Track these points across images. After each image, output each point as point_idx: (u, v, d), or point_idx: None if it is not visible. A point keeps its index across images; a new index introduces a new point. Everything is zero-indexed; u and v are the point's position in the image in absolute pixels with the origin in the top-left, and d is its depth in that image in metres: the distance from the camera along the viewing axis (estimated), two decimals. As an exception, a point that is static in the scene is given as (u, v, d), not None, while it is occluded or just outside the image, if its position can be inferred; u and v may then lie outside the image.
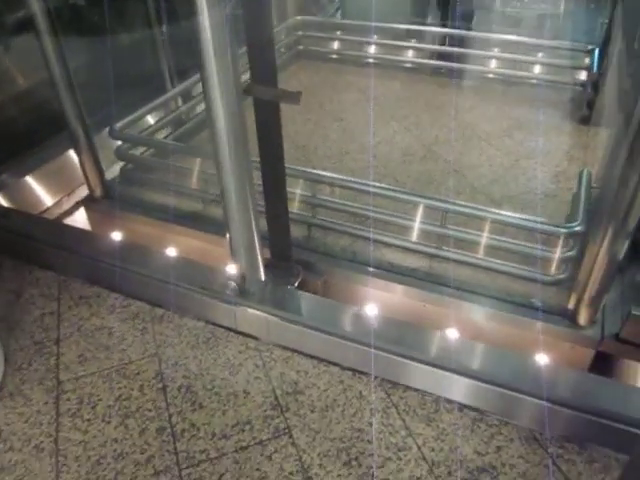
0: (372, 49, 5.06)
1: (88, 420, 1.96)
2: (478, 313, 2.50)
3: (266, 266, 2.33)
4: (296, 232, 2.85)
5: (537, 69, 4.55)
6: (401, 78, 4.79)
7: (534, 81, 4.55)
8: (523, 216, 2.54)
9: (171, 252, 2.59)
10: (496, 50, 4.62)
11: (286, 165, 2.31)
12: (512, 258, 2.60)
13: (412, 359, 2.05)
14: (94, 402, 2.03)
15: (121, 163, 3.30)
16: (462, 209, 2.66)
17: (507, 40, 4.57)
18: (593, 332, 2.31)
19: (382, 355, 2.08)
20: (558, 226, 2.49)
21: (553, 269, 2.51)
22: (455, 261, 2.67)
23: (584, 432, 1.90)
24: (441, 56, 4.81)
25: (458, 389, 2.01)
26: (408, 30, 4.92)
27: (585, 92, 4.12)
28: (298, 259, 2.61)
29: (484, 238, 2.60)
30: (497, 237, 2.62)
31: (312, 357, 2.18)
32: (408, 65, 4.98)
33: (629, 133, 1.76)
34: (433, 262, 2.71)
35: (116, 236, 2.69)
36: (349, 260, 2.74)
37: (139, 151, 3.40)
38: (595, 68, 4.02)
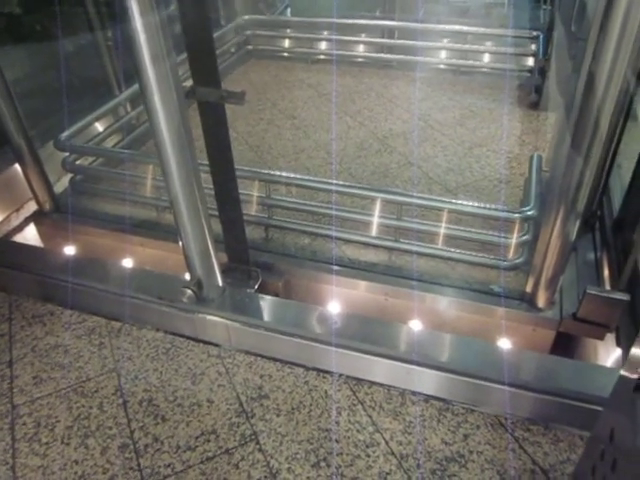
0: (322, 45, 5.06)
1: (46, 444, 1.89)
2: (439, 302, 2.50)
3: (224, 271, 2.30)
4: (254, 234, 2.83)
5: (486, 58, 4.62)
6: (353, 73, 4.80)
7: (484, 70, 4.62)
8: (477, 204, 2.55)
9: (125, 263, 2.53)
10: (445, 41, 4.66)
11: (240, 167, 2.28)
12: (470, 246, 2.62)
13: (376, 354, 2.04)
14: (52, 424, 1.95)
15: (70, 175, 3.20)
16: (417, 201, 2.67)
17: (455, 30, 4.61)
18: (552, 313, 2.33)
19: (346, 353, 2.07)
20: (511, 211, 2.51)
21: (510, 254, 2.54)
22: (414, 253, 2.67)
23: (548, 413, 1.92)
24: (391, 49, 4.83)
25: (423, 381, 2.02)
26: (358, 25, 4.92)
27: (533, 78, 4.20)
28: (257, 261, 2.58)
29: (441, 228, 2.60)
30: (454, 226, 2.63)
31: (276, 360, 2.15)
32: (359, 60, 4.98)
33: (571, 116, 1.78)
34: (392, 255, 2.71)
35: (67, 251, 2.62)
36: (309, 259, 2.72)
37: (88, 161, 3.31)
38: (541, 54, 4.09)
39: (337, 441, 1.86)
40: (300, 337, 2.12)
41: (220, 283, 2.24)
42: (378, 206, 2.68)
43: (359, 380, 2.07)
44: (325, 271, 2.65)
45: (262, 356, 2.17)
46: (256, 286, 2.41)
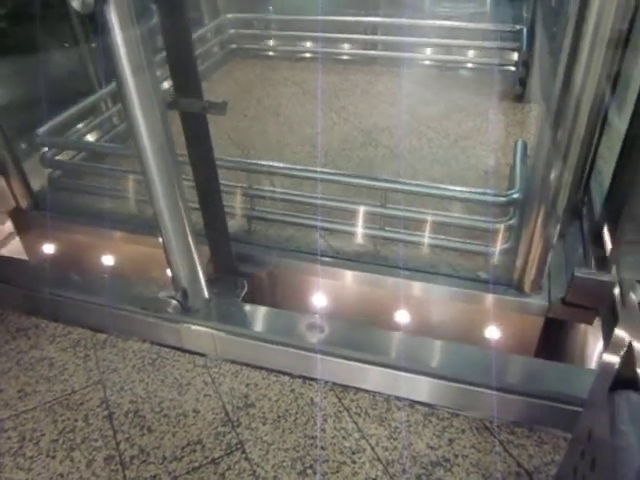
0: (307, 43, 5.03)
1: (31, 457, 1.88)
2: (426, 291, 2.47)
3: (210, 280, 2.30)
4: (236, 226, 2.78)
5: (471, 53, 4.64)
6: (337, 70, 4.80)
7: (469, 65, 4.65)
8: (462, 188, 2.52)
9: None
10: (430, 36, 4.67)
11: (220, 157, 2.25)
12: (457, 233, 2.60)
13: (361, 361, 2.05)
14: (37, 438, 1.94)
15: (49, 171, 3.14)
16: (402, 186, 2.63)
17: (441, 26, 4.63)
18: (540, 299, 2.31)
19: (331, 360, 2.08)
20: (496, 195, 2.48)
21: (497, 240, 2.51)
22: (400, 241, 2.64)
23: (532, 416, 1.94)
24: (376, 46, 4.84)
25: (408, 386, 2.03)
26: (343, 22, 4.91)
27: (517, 71, 4.25)
28: (239, 253, 2.56)
29: (427, 215, 2.56)
30: (440, 213, 2.59)
31: (262, 369, 2.16)
32: (344, 57, 4.97)
33: (552, 104, 1.80)
34: (378, 245, 2.69)
35: (52, 263, 2.60)
36: (292, 250, 2.67)
37: (69, 156, 3.24)
38: (525, 47, 4.13)
39: (323, 448, 1.87)
40: (286, 345, 2.13)
41: (206, 293, 2.24)
42: (362, 194, 2.67)
43: (345, 387, 2.07)
44: (309, 261, 2.60)
45: (248, 365, 2.17)
46: (242, 295, 2.42)
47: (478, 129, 3.75)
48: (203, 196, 2.24)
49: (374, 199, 2.65)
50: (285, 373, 2.13)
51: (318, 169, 2.80)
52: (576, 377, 1.97)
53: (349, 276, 2.58)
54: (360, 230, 2.69)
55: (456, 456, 1.83)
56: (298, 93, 4.42)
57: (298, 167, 2.81)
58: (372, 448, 1.86)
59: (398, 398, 2.03)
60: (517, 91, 4.17)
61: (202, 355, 2.22)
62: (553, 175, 1.93)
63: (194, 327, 2.19)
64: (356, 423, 1.94)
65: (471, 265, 2.54)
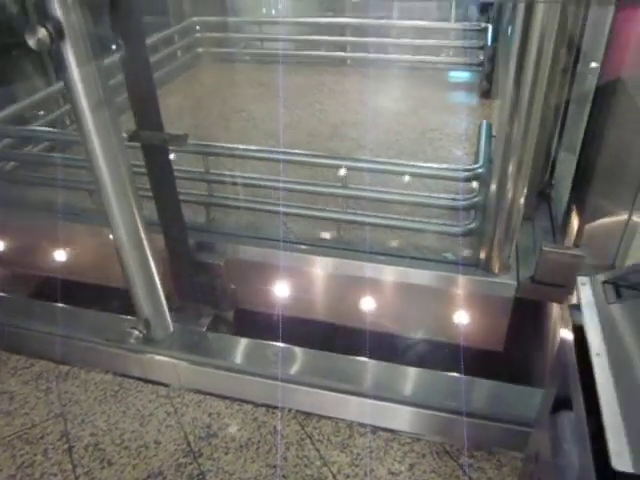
0: (275, 45, 5.00)
1: (-13, 494, 1.85)
2: (392, 274, 2.38)
3: (174, 310, 2.31)
4: (191, 215, 2.61)
5: (438, 52, 4.68)
6: (305, 72, 4.80)
7: (437, 63, 4.68)
8: (426, 164, 2.45)
9: (73, 306, 2.50)
10: (397, 37, 4.71)
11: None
12: (422, 214, 2.51)
13: (324, 388, 2.07)
14: (-6, 474, 1.91)
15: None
16: (362, 164, 2.52)
17: (409, 26, 4.67)
18: (508, 278, 2.25)
19: (295, 388, 2.09)
20: (461, 169, 2.40)
21: (462, 220, 2.41)
22: (363, 224, 2.53)
23: (491, 439, 1.97)
24: (344, 47, 4.86)
25: (370, 412, 2.05)
26: (310, 23, 4.90)
27: (484, 68, 4.28)
28: (196, 242, 2.47)
29: (391, 195, 2.46)
30: (404, 192, 2.49)
31: (225, 398, 2.16)
32: (312, 59, 4.94)
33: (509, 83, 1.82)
34: (341, 228, 2.58)
35: (13, 295, 2.58)
36: (251, 237, 2.54)
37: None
38: (490, 44, 4.20)
39: (285, 477, 1.87)
40: (249, 374, 2.13)
41: (169, 322, 2.25)
42: (321, 174, 2.58)
43: (308, 414, 2.08)
44: (269, 247, 2.47)
45: (212, 394, 2.17)
46: (207, 324, 2.43)
47: (445, 123, 3.75)
48: (166, 226, 2.26)
49: (332, 179, 2.52)
50: (249, 402, 2.14)
51: (275, 149, 2.64)
52: (534, 398, 2.01)
53: (310, 260, 2.46)
54: (321, 214, 2.55)
55: (416, 481, 1.85)
56: (264, 93, 4.38)
57: (254, 147, 2.58)
58: (334, 475, 1.87)
59: (361, 424, 2.05)
60: (484, 87, 4.20)
61: (165, 385, 2.21)
62: (515, 154, 1.90)
63: (157, 357, 2.19)
64: (318, 450, 1.95)
65: (437, 246, 2.44)
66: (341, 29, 4.93)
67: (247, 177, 2.61)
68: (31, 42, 1.51)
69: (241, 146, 2.61)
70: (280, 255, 2.44)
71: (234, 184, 2.64)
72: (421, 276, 2.35)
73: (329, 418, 2.07)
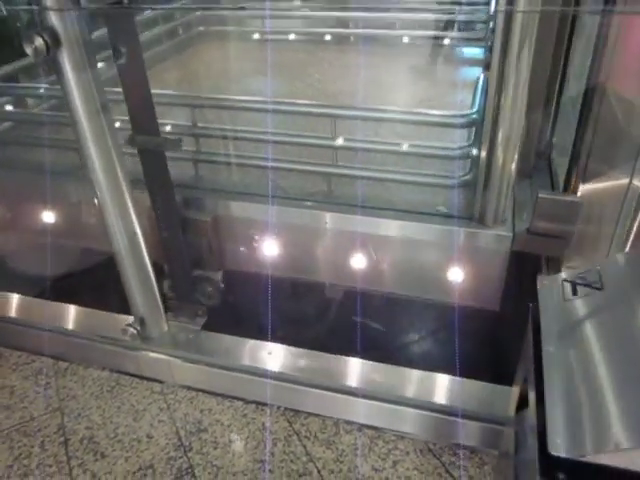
0: (275, 23, 4.99)
1: (-15, 483, 1.93)
2: (383, 228, 2.31)
3: (170, 308, 2.38)
4: (177, 171, 2.43)
5: (440, 28, 4.55)
6: (308, 49, 4.78)
7: (440, 39, 4.52)
8: (419, 110, 2.40)
9: (72, 304, 2.57)
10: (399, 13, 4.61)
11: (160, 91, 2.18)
12: (415, 165, 2.45)
13: (312, 386, 2.12)
14: (-8, 464, 1.99)
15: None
16: (352, 112, 2.45)
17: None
18: (504, 230, 2.17)
19: (284, 385, 2.15)
20: (455, 115, 2.32)
21: (457, 171, 2.33)
22: (354, 177, 2.46)
23: (474, 437, 2.01)
24: (345, 23, 4.86)
25: (357, 410, 2.10)
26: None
27: (487, 41, 4.06)
28: (183, 199, 2.41)
29: (382, 145, 2.42)
30: (396, 142, 2.41)
31: (217, 395, 2.22)
32: (315, 36, 4.88)
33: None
34: (332, 182, 2.49)
35: (15, 293, 2.65)
36: (238, 192, 2.48)
37: None
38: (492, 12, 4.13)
39: (271, 471, 1.92)
40: (241, 371, 2.19)
41: (164, 320, 2.32)
42: (313, 126, 2.51)
43: (296, 411, 2.14)
44: (257, 202, 2.41)
45: (204, 391, 2.23)
46: (202, 323, 2.49)
47: (444, 93, 3.67)
48: (163, 226, 2.33)
49: (324, 130, 2.43)
50: (239, 399, 2.20)
51: (265, 99, 2.55)
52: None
53: (300, 214, 2.38)
54: (311, 168, 2.49)
55: (399, 478, 1.89)
56: (264, 67, 4.27)
57: (244, 98, 2.53)
58: (319, 471, 1.92)
59: (347, 422, 2.10)
60: (488, 59, 4.17)
61: (160, 382, 2.28)
62: (507, 99, 1.85)
63: (152, 354, 2.26)
64: (305, 446, 2.01)
65: (430, 199, 2.36)
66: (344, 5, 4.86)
67: (235, 130, 2.55)
68: (28, 50, 1.58)
69: (230, 97, 2.55)
70: (270, 210, 2.38)
71: (218, 137, 2.58)
72: (413, 229, 2.28)
73: (317, 415, 2.12)
